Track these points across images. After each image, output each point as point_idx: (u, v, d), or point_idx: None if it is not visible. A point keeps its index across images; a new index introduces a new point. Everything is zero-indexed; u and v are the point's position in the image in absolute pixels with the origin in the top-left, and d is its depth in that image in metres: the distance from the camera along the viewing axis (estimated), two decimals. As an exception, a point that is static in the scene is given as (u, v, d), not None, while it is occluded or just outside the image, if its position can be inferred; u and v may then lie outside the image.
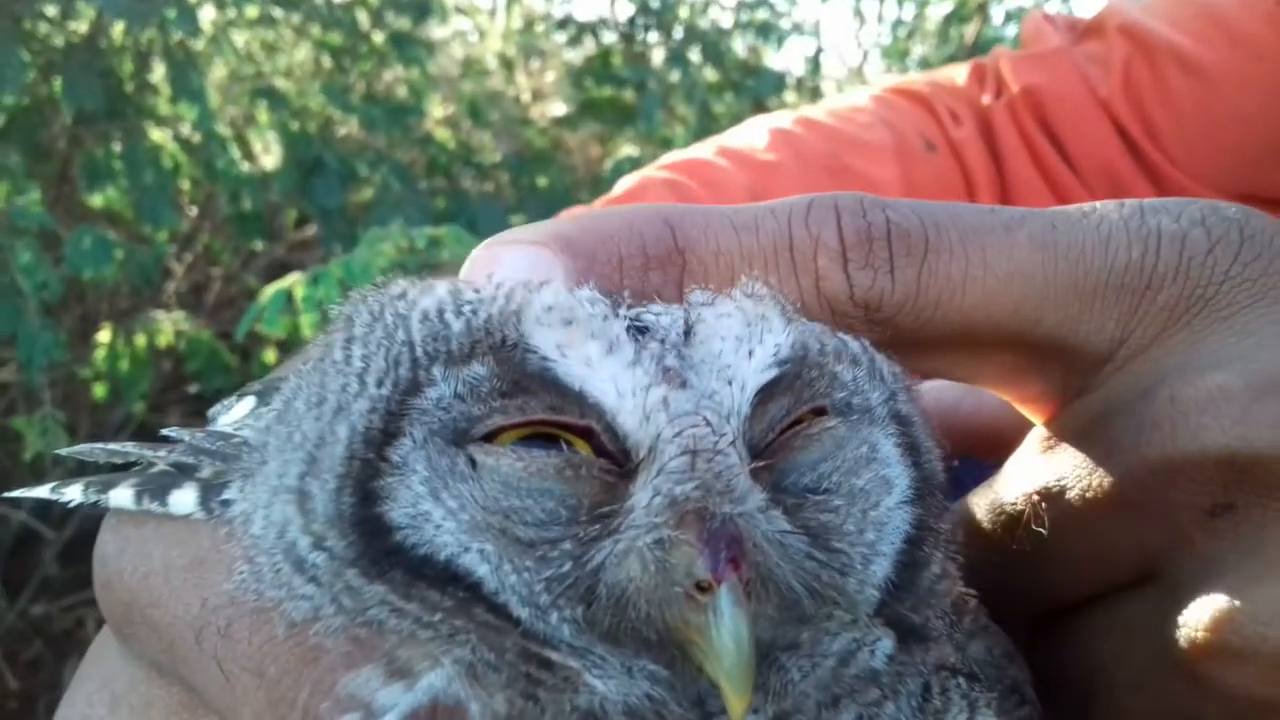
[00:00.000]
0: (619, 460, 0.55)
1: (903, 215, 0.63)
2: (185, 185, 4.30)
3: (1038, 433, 0.68)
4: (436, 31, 5.92)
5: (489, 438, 0.55)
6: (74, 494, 0.62)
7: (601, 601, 0.54)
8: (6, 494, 0.72)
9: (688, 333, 0.56)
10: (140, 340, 4.13)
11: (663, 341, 0.56)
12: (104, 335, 4.16)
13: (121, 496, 0.60)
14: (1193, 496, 0.58)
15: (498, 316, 0.56)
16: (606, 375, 0.54)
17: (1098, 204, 0.65)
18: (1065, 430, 0.66)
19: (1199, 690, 0.59)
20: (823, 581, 0.57)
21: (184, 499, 0.59)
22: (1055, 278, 0.62)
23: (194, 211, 4.69)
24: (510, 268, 0.59)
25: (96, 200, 3.80)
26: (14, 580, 4.51)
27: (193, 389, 5.04)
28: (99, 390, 3.94)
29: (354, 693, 0.52)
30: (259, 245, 4.31)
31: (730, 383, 0.55)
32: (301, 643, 0.54)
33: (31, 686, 4.44)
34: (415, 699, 0.51)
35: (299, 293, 2.63)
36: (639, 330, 0.56)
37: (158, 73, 3.88)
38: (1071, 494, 0.63)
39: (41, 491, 0.66)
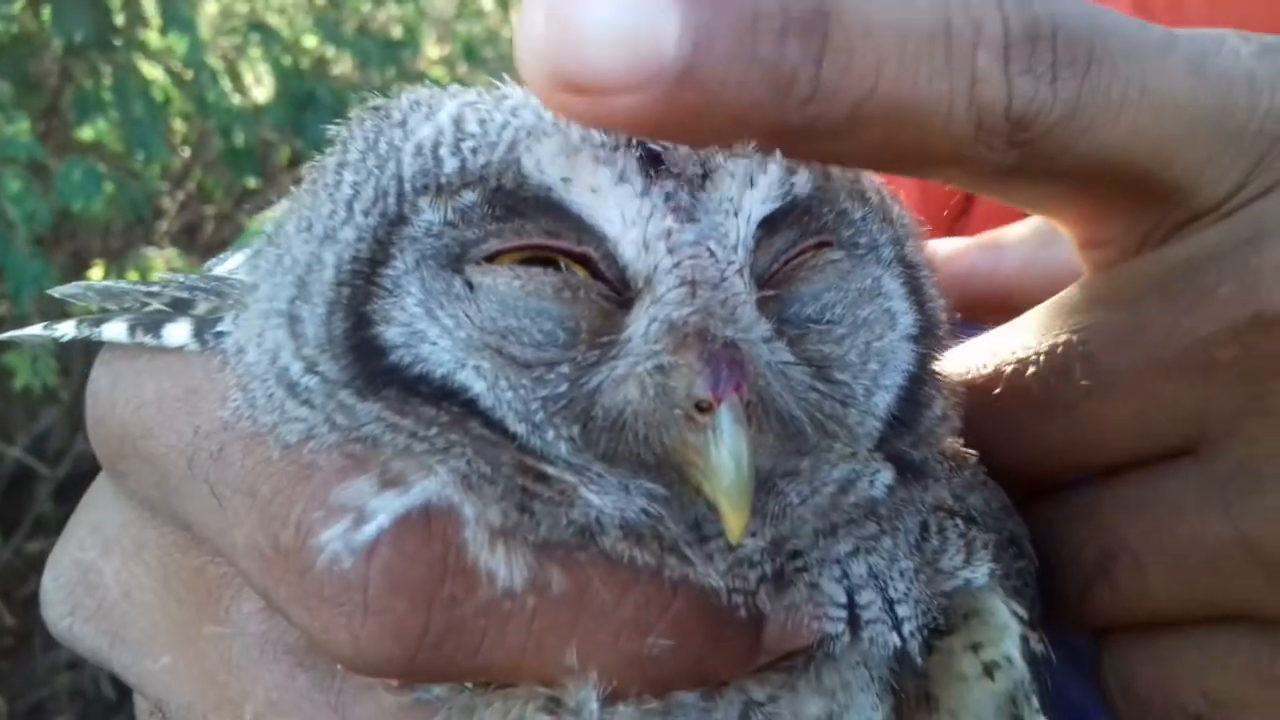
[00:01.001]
0: (617, 289, 0.54)
1: (1071, 14, 0.53)
2: (177, 124, 4.26)
3: (1091, 279, 0.64)
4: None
5: (486, 261, 0.54)
6: (67, 329, 0.61)
7: (598, 422, 0.53)
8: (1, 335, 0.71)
9: (705, 176, 0.54)
10: (133, 277, 4.10)
11: (678, 178, 0.54)
12: (96, 272, 4.14)
13: (115, 331, 0.59)
14: None
15: (498, 163, 0.54)
16: (611, 203, 0.52)
17: (1226, 34, 0.57)
18: (1136, 278, 0.60)
19: (1275, 576, 0.57)
20: (824, 412, 0.56)
21: (178, 332, 0.58)
22: (1205, 114, 0.55)
23: (186, 152, 4.65)
24: (607, 6, 0.48)
25: (86, 133, 3.76)
26: (9, 518, 4.53)
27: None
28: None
29: (346, 502, 0.51)
30: (252, 183, 4.27)
31: (736, 214, 0.53)
32: (295, 461, 0.52)
33: (27, 623, 4.47)
34: (408, 502, 0.51)
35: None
36: (654, 159, 0.54)
37: (148, 4, 3.82)
38: (1133, 343, 0.58)
39: (35, 329, 0.65)
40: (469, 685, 0.53)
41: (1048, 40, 0.53)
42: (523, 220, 0.53)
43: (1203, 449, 0.59)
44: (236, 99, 3.69)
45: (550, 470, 0.52)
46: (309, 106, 3.59)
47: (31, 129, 3.41)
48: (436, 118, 0.57)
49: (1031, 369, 0.62)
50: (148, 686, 0.59)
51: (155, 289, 0.61)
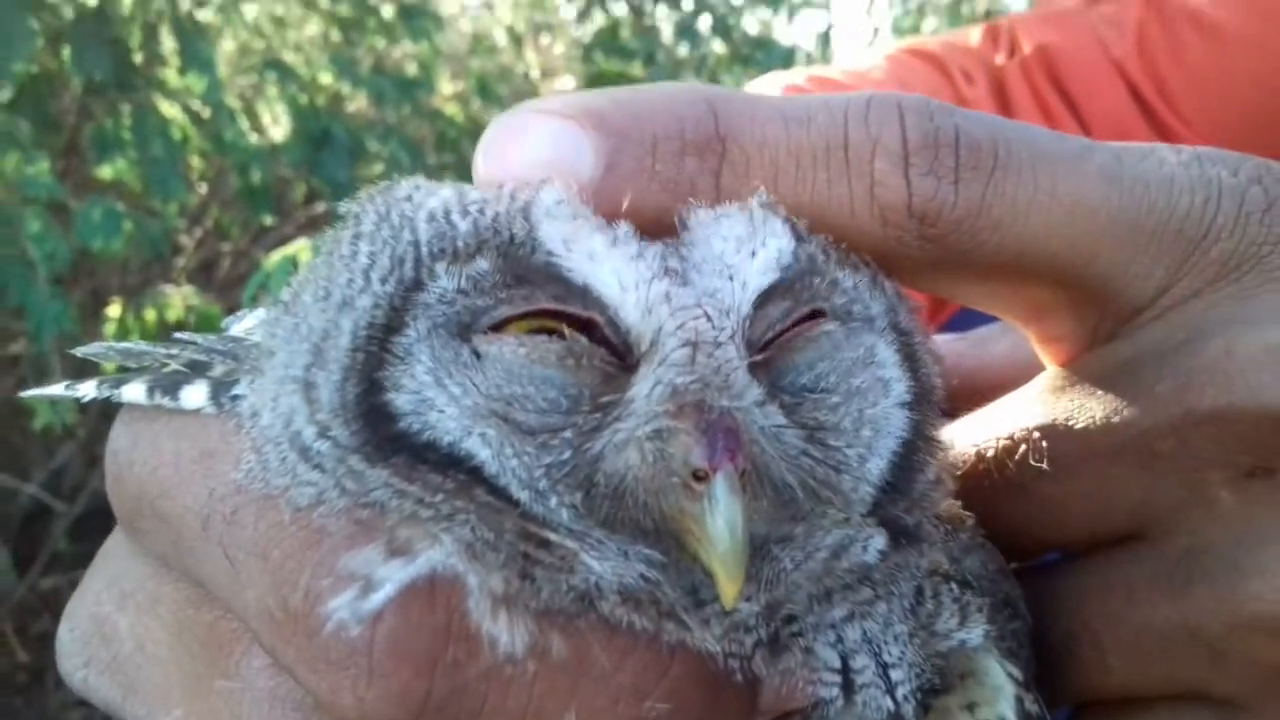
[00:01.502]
0: (620, 353, 0.55)
1: (973, 125, 0.59)
2: (195, 161, 4.29)
3: (1050, 373, 0.67)
4: (446, 5, 5.90)
5: (493, 330, 0.55)
6: (88, 390, 0.63)
7: (600, 489, 0.54)
8: (21, 394, 0.72)
9: (683, 227, 0.57)
10: (150, 315, 4.12)
11: (665, 242, 0.56)
12: (114, 310, 4.16)
13: (134, 392, 0.60)
14: (1232, 454, 0.57)
15: (505, 214, 0.56)
16: (609, 269, 0.54)
17: (1157, 145, 0.62)
18: (1085, 373, 0.64)
19: (1217, 661, 0.58)
20: (817, 478, 0.57)
21: (195, 394, 0.59)
22: (1119, 215, 0.59)
23: (203, 189, 4.68)
24: (535, 141, 0.57)
25: (105, 172, 3.78)
26: (24, 554, 4.54)
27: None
28: (109, 366, 3.93)
29: (354, 570, 0.52)
30: (268, 220, 4.29)
31: (731, 279, 0.55)
32: (305, 526, 0.54)
33: (41, 659, 4.47)
34: (414, 572, 0.52)
35: (304, 259, 2.60)
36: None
37: (167, 44, 3.85)
38: (1080, 433, 0.61)
39: (56, 389, 0.66)
40: None
41: (950, 146, 0.59)
42: (531, 288, 0.55)
43: (1152, 534, 0.61)
44: (254, 138, 3.72)
45: (552, 537, 0.53)
46: (325, 145, 3.61)
47: (51, 168, 3.43)
48: (441, 191, 0.59)
49: (992, 452, 0.65)
50: None
51: (174, 351, 0.62)
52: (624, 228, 0.55)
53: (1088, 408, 0.62)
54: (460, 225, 0.56)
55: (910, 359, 0.64)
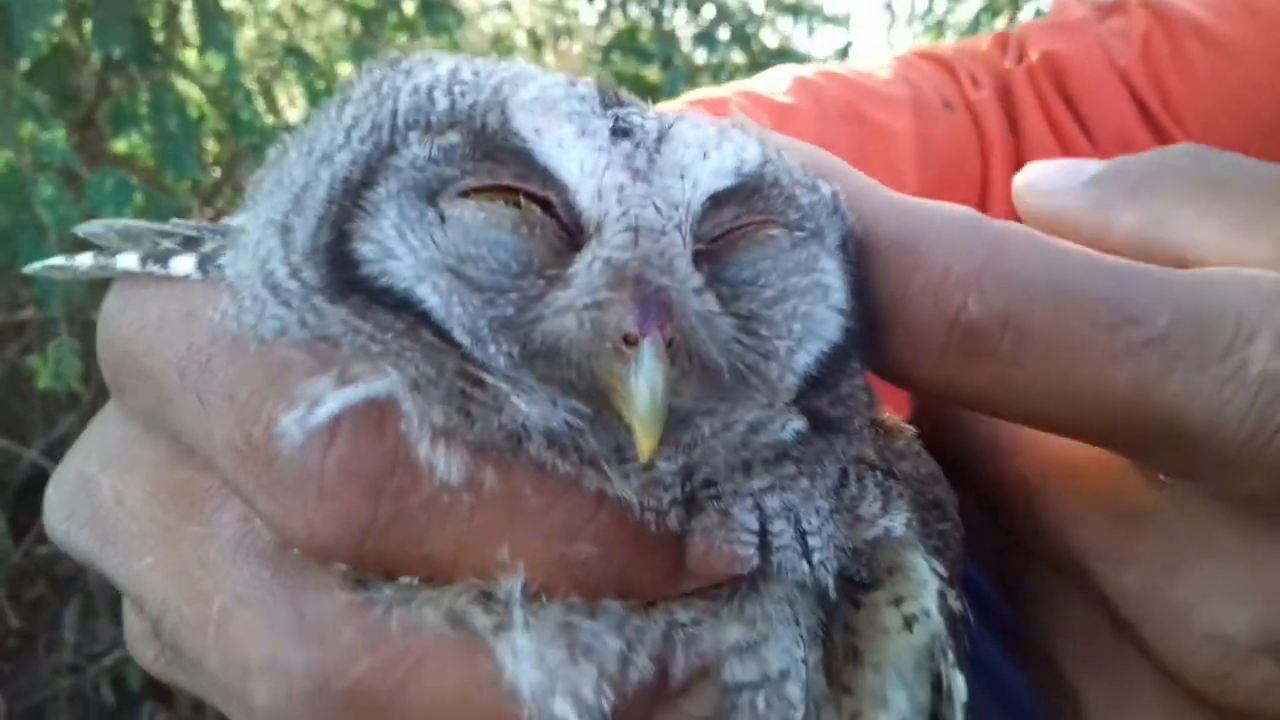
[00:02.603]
0: (571, 232, 0.59)
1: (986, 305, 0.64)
2: (210, 144, 4.32)
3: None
4: (467, 3, 5.94)
5: (459, 196, 0.60)
6: (84, 261, 0.68)
7: (536, 346, 0.58)
8: (24, 268, 0.77)
9: (660, 139, 0.61)
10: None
11: (638, 145, 0.60)
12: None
13: (128, 260, 0.65)
14: None
15: (482, 103, 0.60)
16: (574, 156, 0.58)
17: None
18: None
19: None
20: (745, 363, 0.61)
21: (184, 263, 0.64)
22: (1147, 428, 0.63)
23: (217, 173, 4.71)
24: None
25: (120, 146, 3.83)
26: (21, 522, 4.57)
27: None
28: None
29: (307, 395, 0.56)
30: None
31: (683, 178, 0.59)
32: (269, 363, 0.58)
33: (32, 625, 4.50)
34: (359, 394, 0.56)
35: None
36: (623, 132, 0.60)
37: (188, 23, 3.90)
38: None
39: (56, 261, 0.71)
40: (412, 581, 0.59)
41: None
42: (495, 165, 0.59)
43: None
44: (270, 119, 3.76)
45: (488, 378, 0.57)
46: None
47: (67, 139, 3.48)
48: (437, 68, 0.64)
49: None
50: (131, 585, 0.64)
51: (168, 229, 0.67)
52: (600, 125, 0.60)
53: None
54: (439, 103, 0.61)
55: (855, 284, 0.66)
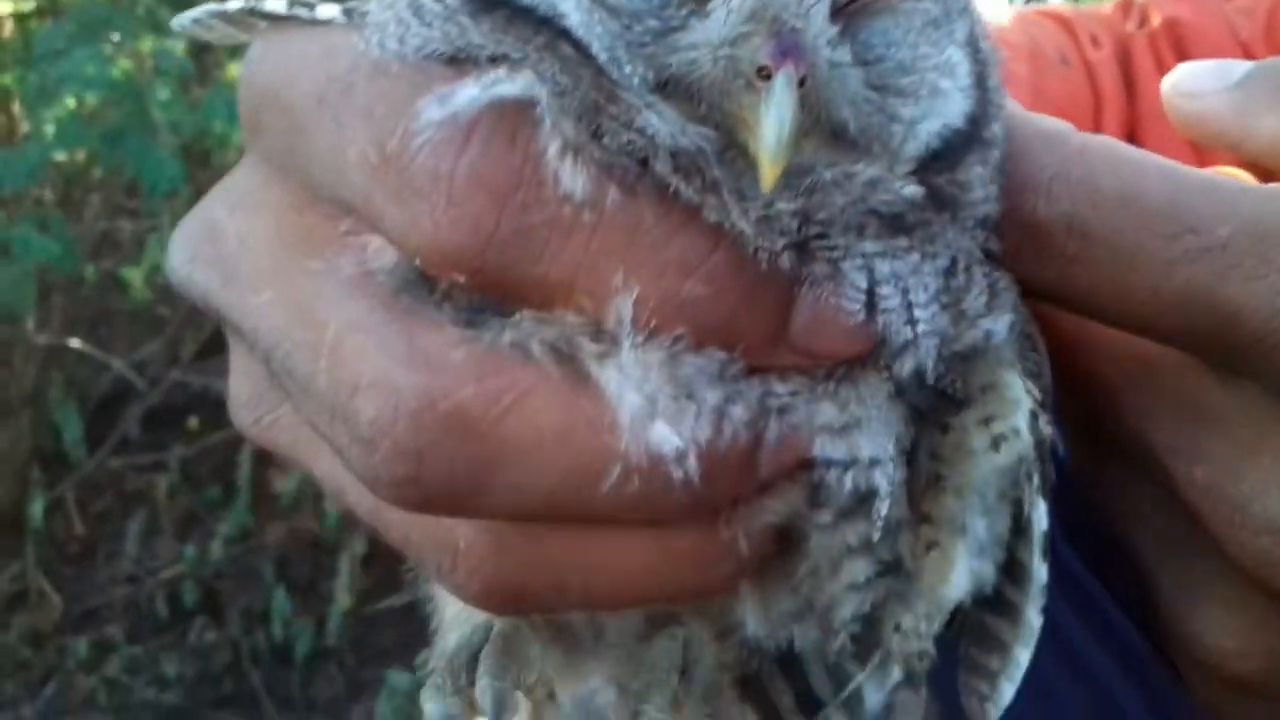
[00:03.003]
0: None
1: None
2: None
3: None
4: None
5: None
6: (234, 4, 0.68)
7: (669, 75, 0.59)
8: (174, 22, 0.78)
9: None
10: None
11: None
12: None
13: (275, 3, 0.66)
14: None
15: None
16: None
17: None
18: None
19: None
20: (871, 123, 0.62)
21: (329, 9, 0.65)
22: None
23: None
24: None
25: (234, 71, 3.92)
26: (96, 434, 4.69)
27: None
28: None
29: (445, 94, 0.57)
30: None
31: None
32: (409, 78, 0.59)
33: (96, 535, 4.61)
34: (496, 92, 0.57)
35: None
36: None
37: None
38: None
39: (206, 8, 0.72)
40: (520, 318, 0.60)
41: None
42: None
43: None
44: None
45: (622, 93, 0.58)
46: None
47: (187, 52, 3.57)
48: None
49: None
50: (247, 319, 0.65)
51: None
52: None
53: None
54: None
55: (979, 76, 0.68)
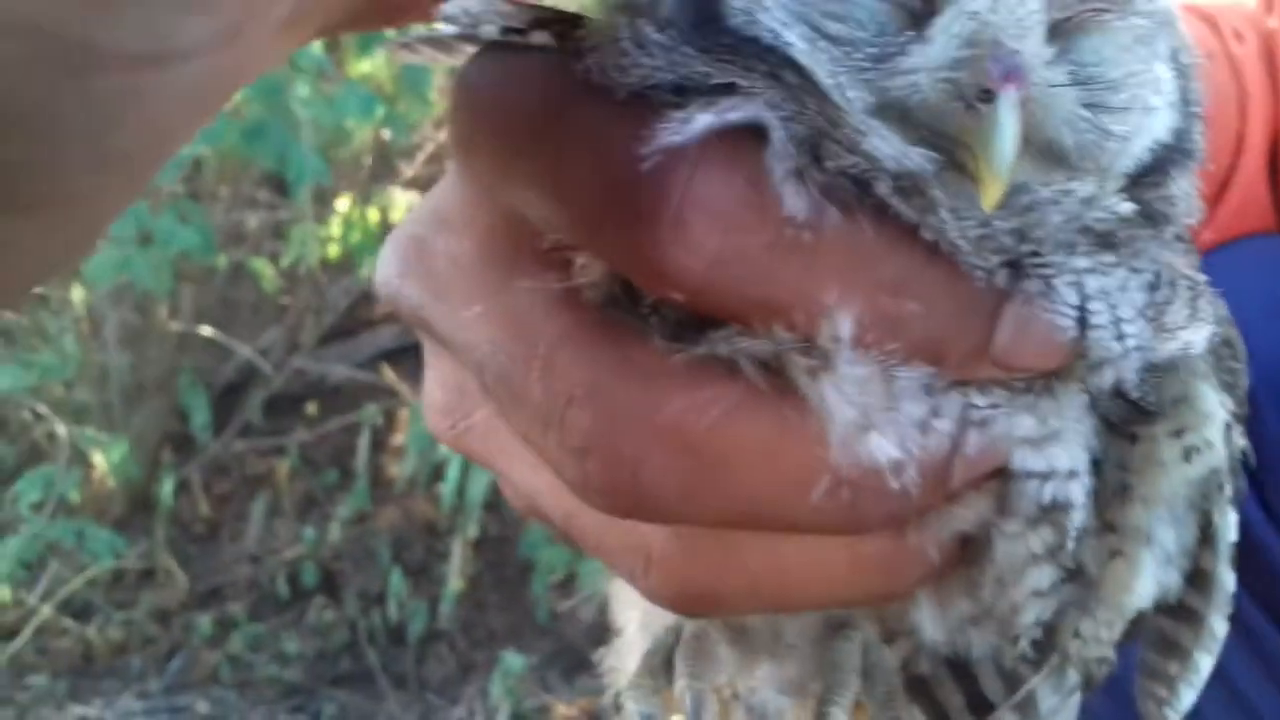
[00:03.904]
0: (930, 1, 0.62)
1: None
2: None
3: None
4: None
5: None
6: (448, 30, 0.70)
7: (889, 100, 0.61)
8: (389, 35, 0.81)
9: None
10: (373, 214, 4.36)
11: None
12: (342, 203, 4.41)
13: (488, 30, 0.68)
14: None
15: None
16: None
17: None
18: None
19: None
20: (1085, 141, 0.64)
21: (540, 36, 0.66)
22: None
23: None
24: None
25: (364, 66, 4.03)
26: (220, 419, 4.84)
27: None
28: (332, 250, 4.18)
29: (674, 120, 0.58)
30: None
31: None
32: (629, 109, 0.60)
33: (220, 515, 4.75)
34: (726, 117, 0.58)
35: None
36: None
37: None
38: None
39: (420, 31, 0.75)
40: (729, 333, 0.61)
41: None
42: None
43: None
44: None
45: (848, 118, 0.60)
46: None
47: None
48: None
49: None
50: (458, 333, 0.68)
51: (522, 13, 0.69)
52: None
53: None
54: None
55: (1183, 92, 0.70)
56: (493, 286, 0.67)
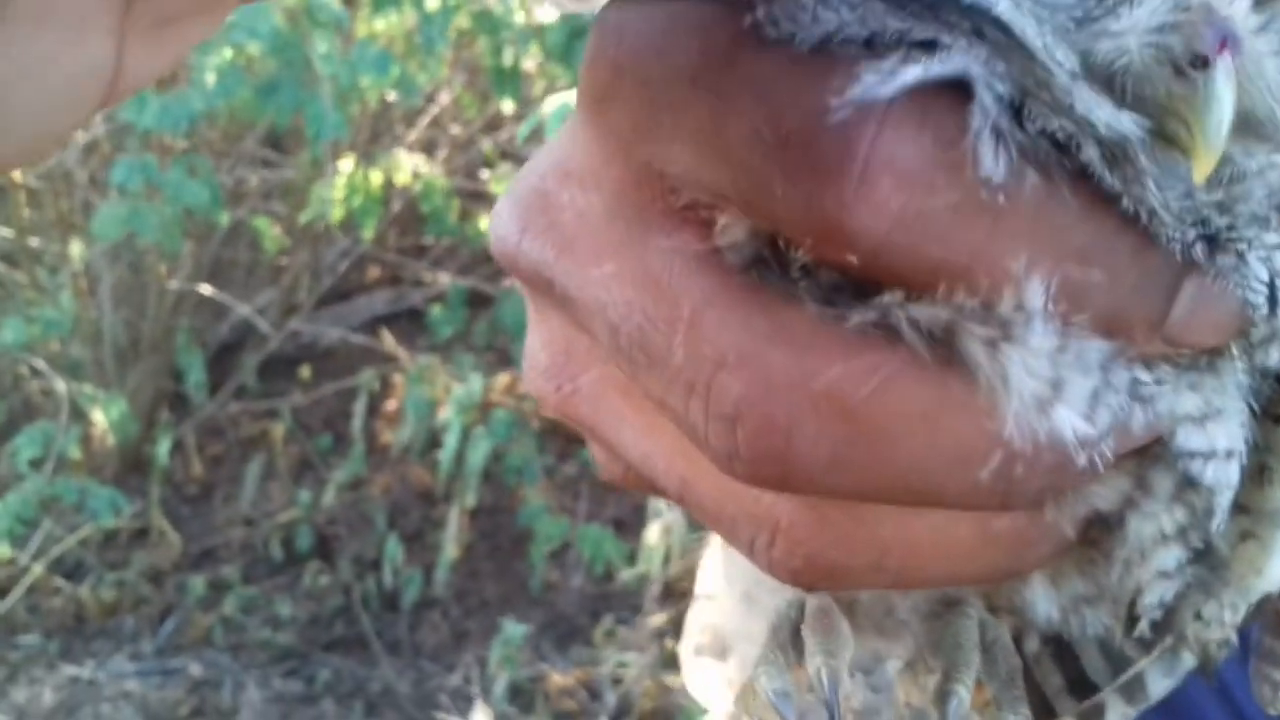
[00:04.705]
0: None
1: None
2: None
3: None
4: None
5: None
6: None
7: (1095, 62, 0.58)
8: None
9: None
10: (376, 176, 4.30)
11: None
12: (345, 164, 4.35)
13: None
14: None
15: None
16: None
17: None
18: None
19: None
20: None
21: None
22: None
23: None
24: None
25: (379, 25, 3.98)
26: (214, 379, 4.80)
27: (410, 241, 5.27)
28: (336, 212, 4.14)
29: (869, 72, 0.55)
30: (508, 107, 4.41)
31: None
32: (812, 59, 0.57)
33: (213, 477, 4.72)
34: (929, 71, 0.55)
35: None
36: None
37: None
38: None
39: None
40: (888, 299, 0.58)
41: None
42: None
43: None
44: (520, 16, 3.86)
45: (1056, 78, 0.57)
46: (584, 34, 3.72)
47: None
48: None
49: None
50: (588, 290, 0.65)
51: None
52: None
53: None
54: None
55: None
56: (627, 244, 0.64)
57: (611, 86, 0.63)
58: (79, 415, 4.21)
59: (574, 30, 3.79)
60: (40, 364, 4.34)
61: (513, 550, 4.44)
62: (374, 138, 4.67)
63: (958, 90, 0.56)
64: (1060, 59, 0.57)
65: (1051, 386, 0.58)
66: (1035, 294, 0.57)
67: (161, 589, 4.31)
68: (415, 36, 3.84)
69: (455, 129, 4.83)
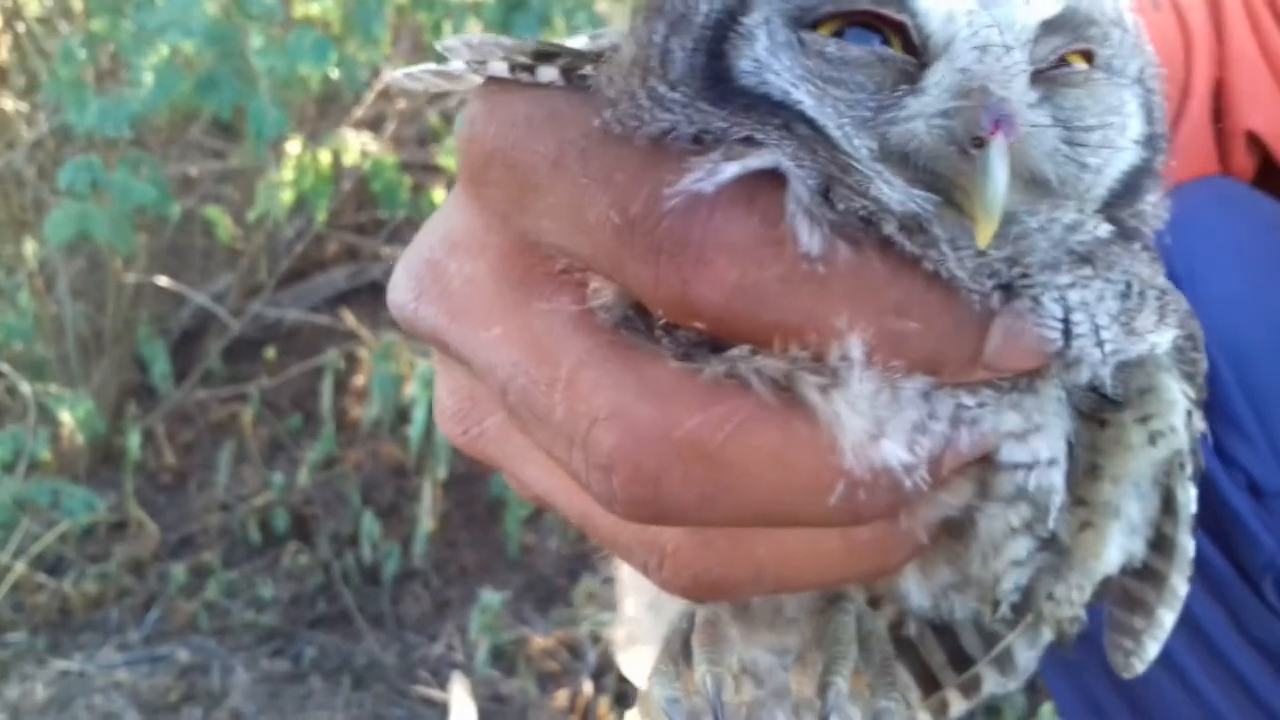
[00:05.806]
0: (919, 54, 0.68)
1: None
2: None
3: None
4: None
5: (816, 24, 0.68)
6: (457, 66, 0.74)
7: (890, 146, 0.67)
8: (395, 73, 0.84)
9: None
10: (324, 156, 4.30)
11: None
12: (293, 145, 4.33)
13: (497, 67, 0.72)
14: None
15: None
16: None
17: None
18: None
19: None
20: (1065, 173, 0.71)
21: (548, 72, 0.71)
22: None
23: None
24: None
25: (314, 8, 3.96)
26: (179, 368, 4.81)
27: (367, 216, 5.26)
28: (286, 196, 4.14)
29: (700, 167, 0.64)
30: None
31: (1027, 3, 0.68)
32: (652, 151, 0.65)
33: (186, 464, 4.74)
34: (749, 164, 0.64)
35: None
36: None
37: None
38: None
39: (426, 66, 0.79)
40: (740, 352, 0.66)
41: None
42: None
43: None
44: (453, -10, 3.85)
45: (856, 164, 0.66)
46: (520, 8, 3.74)
47: (272, -6, 3.61)
48: None
49: None
50: (479, 353, 0.71)
51: (525, 46, 0.73)
52: None
53: None
54: None
55: (1148, 109, 0.77)
56: (511, 308, 0.70)
57: (485, 169, 0.70)
58: (46, 416, 4.22)
59: (510, 5, 3.80)
60: (5, 367, 4.34)
61: (488, 518, 4.48)
62: (321, 115, 4.66)
63: (778, 176, 0.65)
64: (858, 145, 0.67)
65: (875, 423, 0.66)
66: (856, 346, 0.65)
67: (144, 579, 4.34)
68: (354, 17, 3.83)
69: (402, 103, 4.82)
